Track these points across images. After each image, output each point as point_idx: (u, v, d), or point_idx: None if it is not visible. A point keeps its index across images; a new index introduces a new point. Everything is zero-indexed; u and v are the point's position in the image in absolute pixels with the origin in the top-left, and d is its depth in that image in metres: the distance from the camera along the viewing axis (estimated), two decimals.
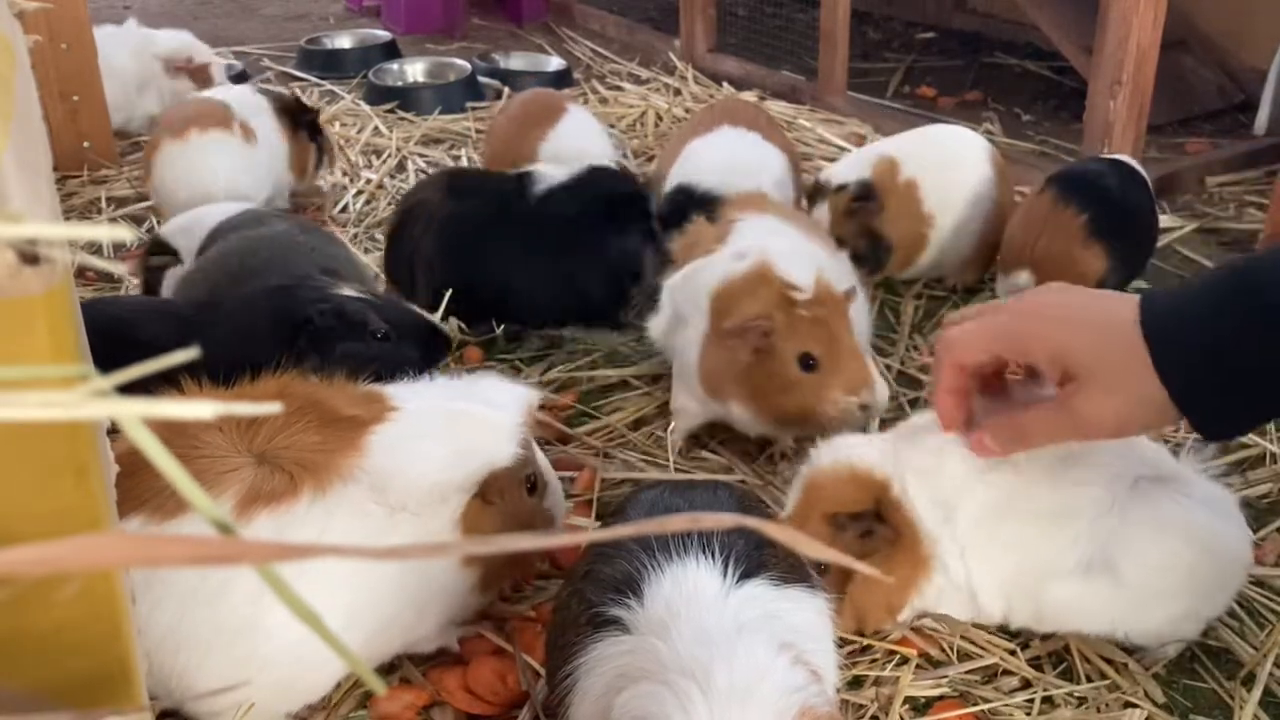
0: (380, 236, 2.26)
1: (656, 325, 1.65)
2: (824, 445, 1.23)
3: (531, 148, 2.29)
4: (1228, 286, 0.98)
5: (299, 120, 2.40)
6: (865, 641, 1.23)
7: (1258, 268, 0.98)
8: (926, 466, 1.17)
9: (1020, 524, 1.16)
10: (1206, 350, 0.96)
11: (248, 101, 2.34)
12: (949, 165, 2.03)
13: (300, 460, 1.06)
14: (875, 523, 1.18)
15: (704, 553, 0.93)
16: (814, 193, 2.06)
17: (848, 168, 2.05)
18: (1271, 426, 1.65)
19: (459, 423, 1.15)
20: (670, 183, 2.10)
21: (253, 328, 1.42)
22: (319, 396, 1.12)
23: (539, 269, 1.85)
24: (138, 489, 1.00)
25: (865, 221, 1.97)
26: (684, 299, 1.56)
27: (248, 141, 2.25)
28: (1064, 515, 1.16)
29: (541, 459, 1.27)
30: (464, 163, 2.67)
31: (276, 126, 2.35)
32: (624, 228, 1.88)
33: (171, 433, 1.03)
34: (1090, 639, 1.23)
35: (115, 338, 1.37)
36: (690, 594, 0.90)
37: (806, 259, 1.48)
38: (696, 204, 1.95)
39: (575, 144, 2.29)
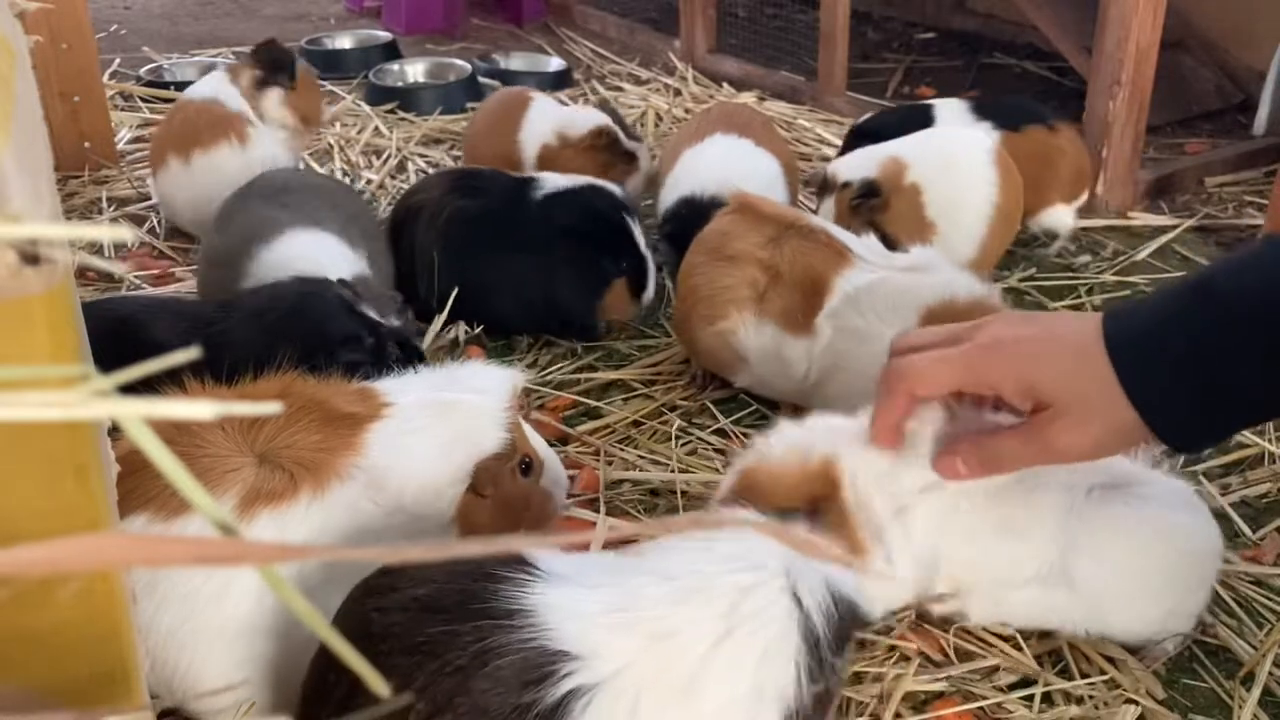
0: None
1: (823, 331, 1.57)
2: (775, 430, 1.21)
3: (509, 144, 2.32)
4: (1188, 299, 0.97)
5: (281, 70, 2.34)
6: (863, 638, 1.23)
7: (1216, 276, 0.97)
8: (881, 460, 1.15)
9: (977, 534, 1.15)
10: (1173, 366, 0.96)
11: (234, 94, 2.29)
12: (953, 171, 2.02)
13: (300, 459, 1.06)
14: (808, 519, 1.15)
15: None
16: (822, 187, 2.06)
17: (856, 165, 2.04)
18: (1270, 426, 1.65)
19: (445, 414, 1.15)
20: (670, 195, 2.10)
21: (280, 336, 1.43)
22: (320, 395, 1.12)
23: (518, 278, 1.88)
24: (141, 488, 1.00)
25: (870, 218, 1.97)
26: (873, 308, 1.51)
27: (249, 141, 2.23)
28: (1020, 527, 1.15)
29: (534, 437, 1.26)
30: (464, 163, 2.67)
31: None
32: (604, 251, 1.88)
33: (175, 432, 1.03)
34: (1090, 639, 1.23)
35: (130, 338, 1.40)
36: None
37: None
38: (702, 214, 1.96)
39: (545, 120, 2.34)
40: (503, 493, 1.17)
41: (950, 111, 2.36)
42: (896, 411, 1.11)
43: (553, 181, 1.95)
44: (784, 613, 0.90)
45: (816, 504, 1.15)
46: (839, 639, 0.93)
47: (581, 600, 0.89)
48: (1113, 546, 1.15)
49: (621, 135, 2.30)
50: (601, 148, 2.28)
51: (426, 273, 1.91)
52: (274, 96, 2.33)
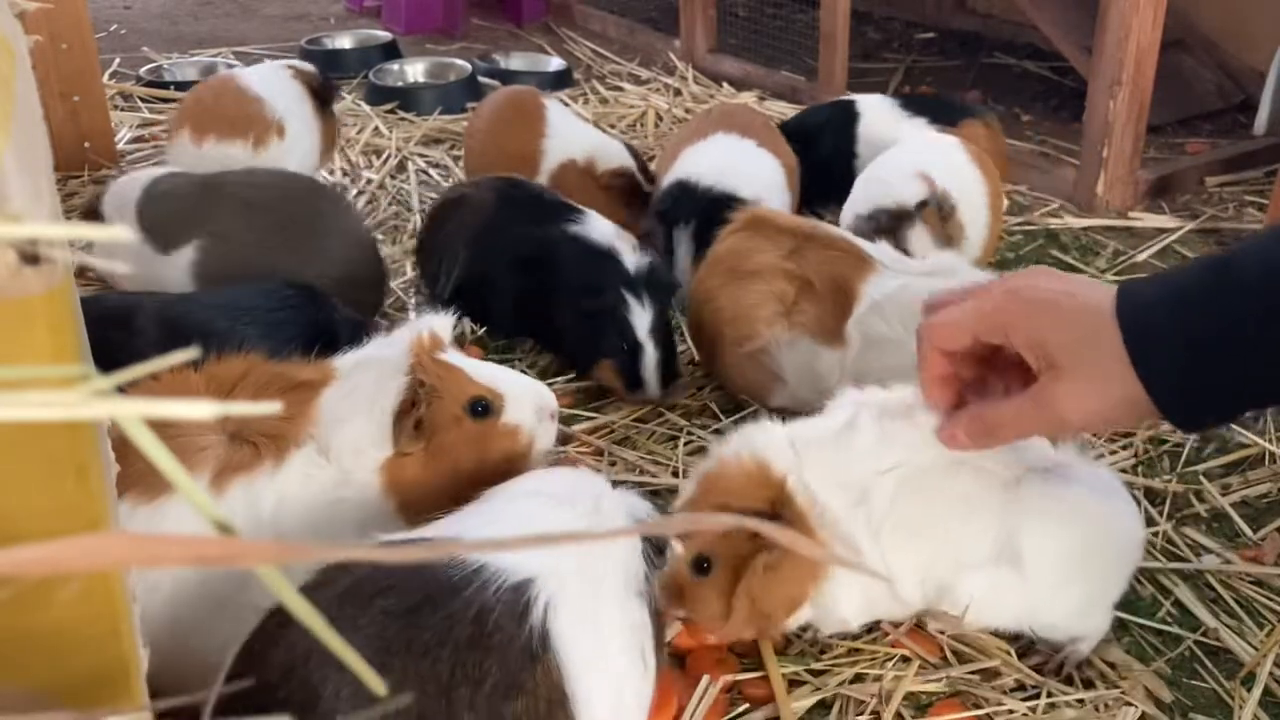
0: (381, 236, 2.26)
1: (853, 339, 1.53)
2: (732, 435, 1.21)
3: (528, 146, 2.29)
4: (1203, 277, 0.96)
5: (324, 98, 2.40)
6: (858, 644, 1.23)
7: (1232, 255, 0.96)
8: (831, 455, 1.15)
9: (932, 513, 1.15)
10: (1182, 342, 0.95)
11: (286, 91, 2.32)
12: (957, 175, 2.01)
13: (265, 430, 1.11)
14: (771, 520, 1.13)
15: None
16: (897, 221, 1.89)
17: (906, 188, 1.92)
18: (1271, 425, 1.65)
19: (365, 371, 1.17)
20: (667, 181, 2.09)
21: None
22: (280, 369, 1.17)
23: (529, 304, 1.82)
24: (125, 471, 1.01)
25: (949, 230, 1.92)
26: (899, 316, 1.48)
27: (271, 143, 2.25)
28: (972, 506, 1.15)
29: (491, 373, 1.22)
30: (465, 162, 2.67)
31: (311, 114, 2.35)
32: (598, 329, 1.71)
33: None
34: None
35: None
36: None
37: None
38: (693, 199, 1.95)
39: (576, 137, 2.31)
40: (443, 443, 1.15)
41: (874, 107, 2.37)
42: (933, 369, 1.10)
43: (589, 227, 1.82)
44: (626, 513, 1.06)
45: (776, 508, 1.14)
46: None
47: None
48: (1052, 528, 1.15)
49: (643, 181, 2.25)
50: (618, 188, 2.22)
51: (446, 271, 1.88)
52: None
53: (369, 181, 2.55)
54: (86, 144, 2.55)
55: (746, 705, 1.17)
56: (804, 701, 1.16)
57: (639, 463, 1.57)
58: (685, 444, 1.62)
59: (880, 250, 1.60)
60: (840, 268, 1.56)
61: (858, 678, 1.20)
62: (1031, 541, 1.15)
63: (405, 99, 3.04)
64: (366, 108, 3.01)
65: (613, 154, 2.27)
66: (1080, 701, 1.17)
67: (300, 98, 2.34)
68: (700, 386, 1.76)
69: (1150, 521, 1.44)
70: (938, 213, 1.89)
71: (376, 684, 0.43)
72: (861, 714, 1.15)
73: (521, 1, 4.04)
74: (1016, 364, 1.05)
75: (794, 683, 1.19)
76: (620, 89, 3.24)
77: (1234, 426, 1.64)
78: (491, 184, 1.99)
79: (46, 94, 2.40)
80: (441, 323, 1.21)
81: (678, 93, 3.19)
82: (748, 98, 3.12)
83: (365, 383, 1.15)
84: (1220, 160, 2.65)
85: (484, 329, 1.91)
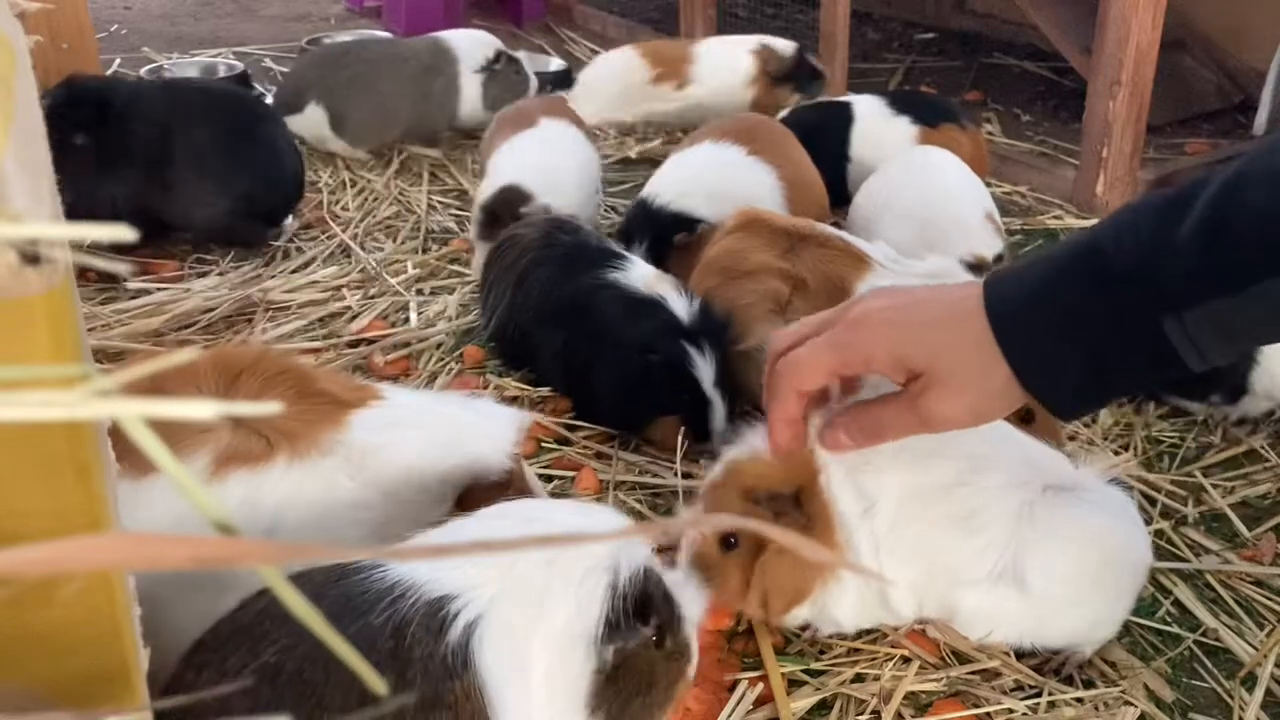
0: (381, 236, 2.27)
1: None
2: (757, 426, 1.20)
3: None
4: (1070, 262, 0.95)
5: (778, 78, 2.82)
6: (858, 644, 1.23)
7: (1097, 237, 0.95)
8: (857, 458, 1.14)
9: (933, 527, 1.14)
10: (1054, 328, 0.94)
11: (727, 59, 2.86)
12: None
13: (278, 426, 1.07)
14: (792, 506, 1.14)
15: None
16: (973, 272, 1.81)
17: (983, 241, 1.87)
18: (1262, 425, 1.65)
19: (447, 421, 1.16)
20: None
21: None
22: (294, 367, 1.15)
23: (568, 355, 1.67)
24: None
25: None
26: None
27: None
28: (975, 523, 1.14)
29: (535, 482, 1.25)
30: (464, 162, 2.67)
31: (744, 83, 2.81)
32: (655, 383, 1.55)
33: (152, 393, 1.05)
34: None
35: None
36: None
37: None
38: (657, 221, 1.94)
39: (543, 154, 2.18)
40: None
41: (867, 106, 2.39)
42: (788, 411, 1.08)
43: (634, 275, 1.66)
44: (598, 561, 0.92)
45: (800, 492, 1.14)
46: (640, 605, 0.93)
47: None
48: (1063, 549, 1.15)
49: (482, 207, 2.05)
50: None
51: (492, 309, 1.81)
52: None
53: (369, 181, 2.55)
54: None
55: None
56: (804, 701, 1.16)
57: (640, 464, 1.57)
58: (686, 445, 1.61)
59: (878, 250, 1.60)
60: (836, 267, 1.56)
61: (858, 678, 1.20)
62: (1039, 562, 1.14)
63: None
64: None
65: (487, 183, 2.09)
66: (1080, 701, 1.17)
67: (739, 69, 2.85)
68: None
69: (1150, 521, 1.44)
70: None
71: (377, 682, 0.43)
72: (861, 714, 1.15)
73: (521, 1, 4.04)
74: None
75: (794, 683, 1.19)
76: None
77: (1232, 426, 1.64)
78: (539, 224, 1.87)
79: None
80: (525, 416, 1.21)
81: None
82: None
83: (445, 426, 1.13)
84: (1220, 160, 2.65)
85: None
